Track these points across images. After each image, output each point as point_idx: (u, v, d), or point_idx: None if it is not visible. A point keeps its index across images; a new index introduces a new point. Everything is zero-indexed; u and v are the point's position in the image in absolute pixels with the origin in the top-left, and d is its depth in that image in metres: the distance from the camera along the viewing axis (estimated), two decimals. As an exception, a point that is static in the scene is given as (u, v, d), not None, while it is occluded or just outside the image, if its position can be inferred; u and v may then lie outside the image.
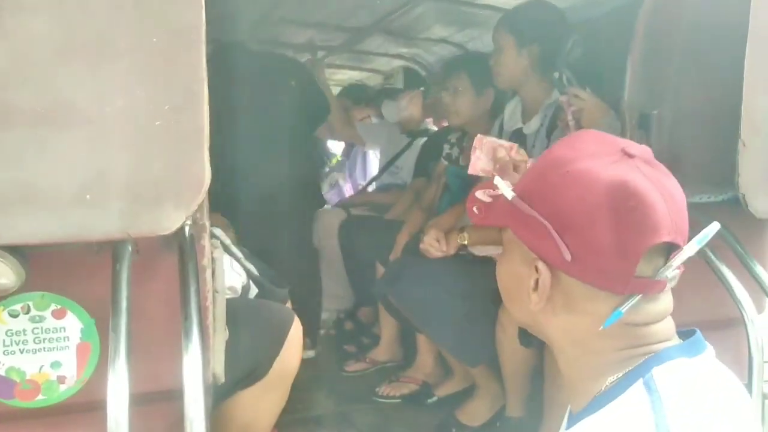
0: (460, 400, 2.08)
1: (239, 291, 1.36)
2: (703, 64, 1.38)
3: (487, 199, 0.79)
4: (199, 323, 0.89)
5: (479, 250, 1.92)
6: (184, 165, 0.80)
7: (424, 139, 3.03)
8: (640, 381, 0.67)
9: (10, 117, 0.73)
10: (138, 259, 1.01)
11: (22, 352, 0.99)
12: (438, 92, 2.90)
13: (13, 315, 0.98)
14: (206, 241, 1.09)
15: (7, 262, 0.85)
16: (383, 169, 3.34)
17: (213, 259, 1.12)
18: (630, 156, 0.69)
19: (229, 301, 1.26)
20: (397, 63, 3.48)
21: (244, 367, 1.21)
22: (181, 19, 0.77)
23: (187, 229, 1.03)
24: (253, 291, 1.52)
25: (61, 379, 1.01)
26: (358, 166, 3.76)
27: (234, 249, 1.40)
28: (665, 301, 0.72)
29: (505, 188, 0.74)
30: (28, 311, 0.99)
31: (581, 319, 0.71)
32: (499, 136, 2.15)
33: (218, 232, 1.39)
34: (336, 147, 4.97)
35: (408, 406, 2.20)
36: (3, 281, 0.88)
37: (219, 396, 1.22)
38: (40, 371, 1.01)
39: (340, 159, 4.73)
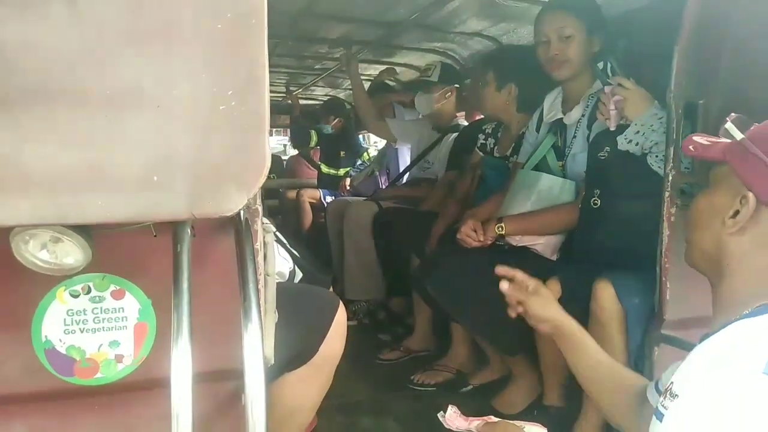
0: (495, 389, 2.09)
1: (287, 276, 1.38)
2: (752, 56, 1.37)
3: (706, 142, 0.95)
4: (257, 304, 0.91)
5: (516, 240, 1.93)
6: (245, 148, 0.82)
7: (455, 134, 3.03)
8: None
9: (81, 99, 0.75)
10: (195, 241, 1.04)
11: (82, 332, 1.03)
12: (471, 87, 2.91)
13: (74, 295, 1.02)
14: (259, 226, 1.12)
15: (75, 242, 0.89)
16: (413, 163, 3.36)
17: (264, 244, 1.15)
18: None
19: (278, 286, 1.29)
20: (431, 57, 3.47)
21: (292, 350, 1.23)
22: (244, 4, 0.79)
23: (242, 213, 1.06)
24: (298, 276, 1.54)
25: (119, 358, 1.05)
26: (394, 160, 3.78)
27: (280, 235, 1.43)
28: None
29: (736, 131, 0.90)
30: (88, 291, 1.03)
31: (764, 251, 0.85)
32: (538, 126, 2.15)
33: (265, 219, 1.43)
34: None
35: (443, 394, 2.22)
36: (70, 261, 0.91)
37: (269, 377, 1.25)
38: (99, 350, 1.04)
39: (370, 155, 4.76)
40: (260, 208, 1.13)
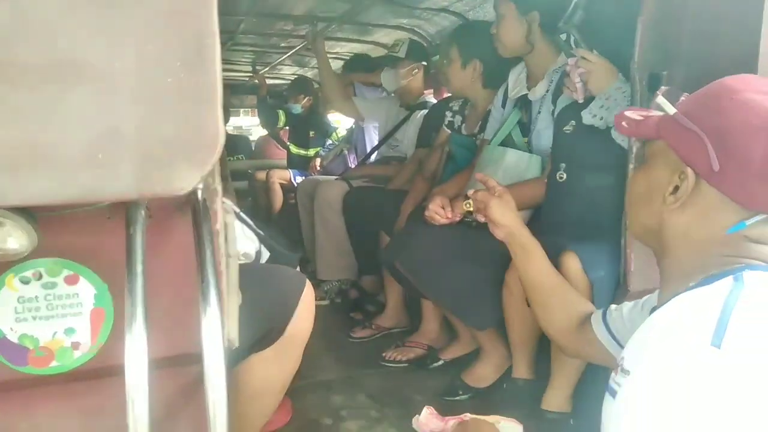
0: (466, 363, 2.11)
1: (253, 256, 1.35)
2: (714, 22, 1.37)
3: (638, 118, 0.93)
4: (216, 287, 0.89)
5: (484, 217, 1.92)
6: (197, 123, 0.79)
7: (424, 111, 3.01)
8: (731, 276, 0.78)
9: (14, 74, 0.71)
10: (151, 223, 1.01)
11: (34, 319, 0.99)
12: (437, 64, 2.88)
13: (25, 281, 0.97)
14: (218, 206, 1.08)
15: (17, 225, 0.84)
16: (382, 142, 3.33)
17: (225, 225, 1.12)
18: None
19: (242, 266, 1.26)
20: (399, 35, 3.43)
21: (257, 332, 1.21)
22: (192, -28, 0.76)
23: (199, 193, 1.03)
24: (265, 256, 1.51)
25: (75, 346, 1.01)
26: (361, 139, 3.74)
27: (244, 215, 1.40)
28: None
29: (668, 105, 0.89)
30: (40, 278, 0.98)
31: (706, 224, 0.84)
32: (503, 102, 2.14)
33: (226, 199, 1.39)
34: (337, 121, 4.95)
35: (415, 369, 2.23)
36: (14, 245, 0.86)
37: (232, 360, 1.23)
38: (53, 338, 1.00)
39: (339, 135, 4.71)
40: (219, 188, 1.09)
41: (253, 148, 5.41)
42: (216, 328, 0.86)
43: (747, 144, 0.78)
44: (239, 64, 4.74)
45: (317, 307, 2.91)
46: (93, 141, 0.74)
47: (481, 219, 1.37)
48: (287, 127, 4.84)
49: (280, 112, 4.78)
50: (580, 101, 1.65)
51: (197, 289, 1.03)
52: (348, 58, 3.94)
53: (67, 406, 1.05)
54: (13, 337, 0.99)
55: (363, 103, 3.40)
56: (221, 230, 1.10)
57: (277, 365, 1.28)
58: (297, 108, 4.47)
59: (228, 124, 5.50)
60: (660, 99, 0.92)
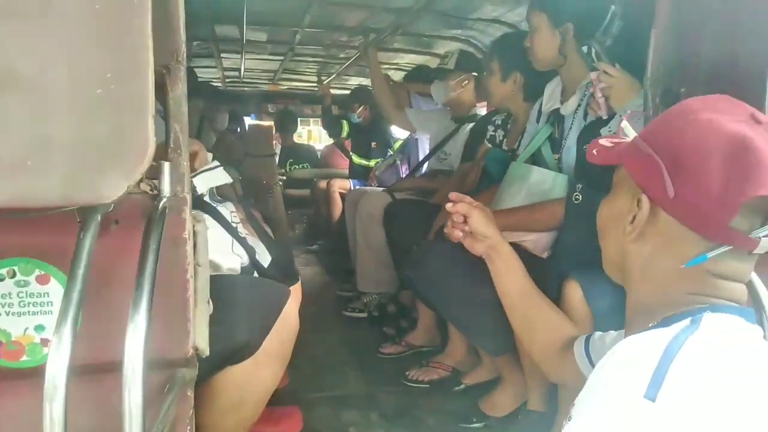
0: (486, 389, 2.01)
1: (238, 270, 1.36)
2: (735, 39, 1.24)
3: (609, 145, 0.88)
4: (150, 294, 0.89)
5: (505, 236, 1.84)
6: (126, 132, 0.80)
7: (471, 125, 2.94)
8: (689, 319, 0.73)
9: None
10: (118, 229, 1.03)
11: (8, 315, 1.04)
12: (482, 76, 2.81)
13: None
14: (187, 214, 1.10)
15: None
16: (430, 154, 3.28)
17: (195, 233, 1.13)
18: (757, 122, 0.74)
19: (222, 277, 1.27)
20: (454, 46, 3.39)
21: (233, 343, 1.22)
22: (126, -15, 0.77)
23: (163, 201, 1.04)
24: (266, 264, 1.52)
25: (44, 342, 1.06)
26: (414, 151, 3.71)
27: (241, 229, 1.40)
28: (748, 265, 0.78)
29: (630, 129, 0.86)
30: (13, 275, 1.03)
31: (667, 256, 0.78)
32: (538, 117, 2.05)
33: (230, 207, 1.41)
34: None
35: (435, 392, 2.16)
36: None
37: (209, 369, 1.24)
38: (24, 333, 1.05)
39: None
40: (188, 196, 1.11)
41: (320, 157, 5.50)
42: (140, 336, 0.86)
43: (702, 168, 0.73)
44: (305, 74, 4.85)
45: (353, 318, 2.94)
46: (24, 148, 0.77)
47: (459, 234, 1.31)
48: (350, 137, 4.89)
49: (344, 122, 4.83)
50: (605, 117, 1.55)
51: (157, 295, 1.05)
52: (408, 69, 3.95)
53: (33, 400, 1.09)
54: (-13, 331, 1.04)
55: (416, 115, 3.37)
56: (189, 238, 1.11)
57: (256, 377, 1.27)
58: (355, 117, 4.51)
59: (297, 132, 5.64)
60: (624, 123, 0.88)
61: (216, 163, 1.41)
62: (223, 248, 1.30)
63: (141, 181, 1.08)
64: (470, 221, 1.28)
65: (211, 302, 1.16)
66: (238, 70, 4.48)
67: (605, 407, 0.66)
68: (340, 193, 4.50)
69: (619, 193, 0.87)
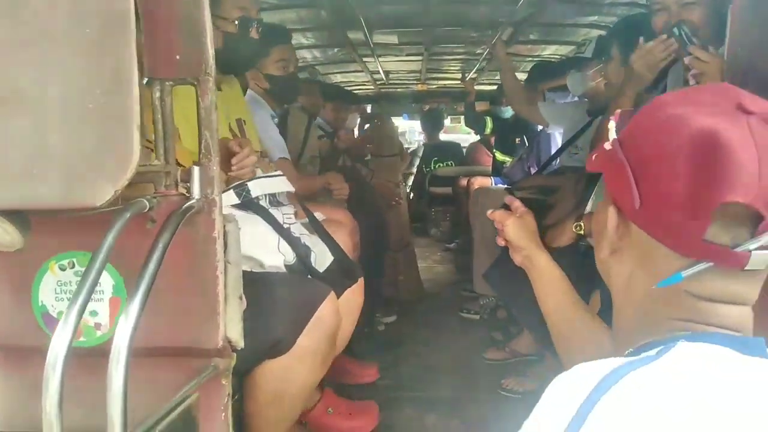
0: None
1: (281, 268, 1.41)
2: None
3: (608, 147, 0.78)
4: (147, 286, 0.97)
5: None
6: (112, 143, 0.89)
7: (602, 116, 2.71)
8: (658, 348, 0.63)
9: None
10: (153, 227, 1.14)
11: (68, 300, 1.20)
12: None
13: (62, 268, 1.19)
14: (216, 215, 1.17)
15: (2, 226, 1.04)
16: (561, 149, 3.08)
17: (226, 232, 1.20)
18: (745, 111, 0.62)
19: (258, 274, 1.34)
20: (592, 34, 3.16)
21: (269, 339, 1.27)
22: (111, 13, 0.86)
23: (195, 202, 1.13)
24: (323, 265, 1.56)
25: (97, 326, 1.20)
26: (546, 146, 3.52)
27: (296, 230, 1.46)
28: (746, 285, 0.65)
29: (613, 132, 0.76)
30: (73, 266, 1.19)
31: (643, 275, 0.69)
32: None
33: (286, 210, 1.48)
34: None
35: (528, 403, 2.03)
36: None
37: (248, 362, 1.31)
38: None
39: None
40: (218, 198, 1.19)
41: (465, 154, 5.45)
42: (131, 324, 0.93)
43: (666, 172, 0.63)
44: (450, 72, 4.83)
45: (467, 320, 2.89)
46: (28, 158, 0.89)
47: (501, 242, 1.23)
48: (494, 133, 4.78)
49: (487, 118, 4.73)
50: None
51: (190, 288, 1.15)
52: (538, 60, 3.76)
53: (86, 377, 1.25)
54: (53, 312, 1.22)
55: (548, 108, 3.19)
56: (219, 237, 1.19)
57: (292, 373, 1.32)
58: (502, 112, 4.40)
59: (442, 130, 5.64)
60: (611, 124, 0.77)
61: (278, 172, 1.49)
62: (269, 246, 1.37)
63: (177, 184, 1.19)
64: (505, 231, 1.21)
65: (244, 297, 1.23)
66: (384, 72, 4.61)
67: None
68: (481, 191, 4.43)
69: (605, 200, 0.77)
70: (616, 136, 0.74)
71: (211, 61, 1.15)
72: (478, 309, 2.91)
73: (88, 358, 1.23)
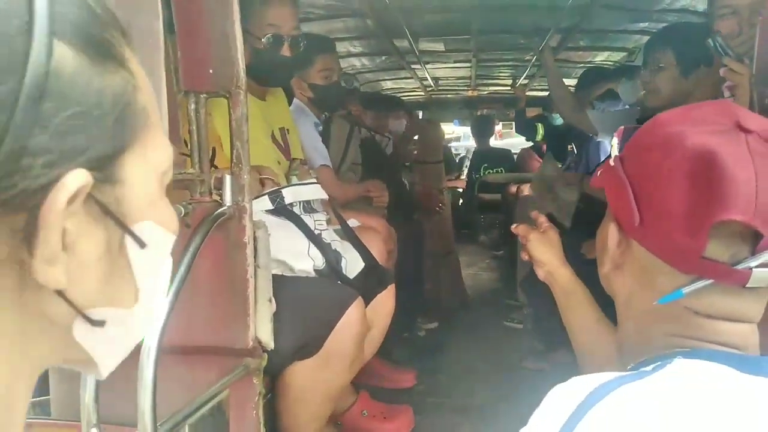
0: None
1: (311, 272, 1.45)
2: None
3: (612, 164, 0.80)
4: (178, 287, 1.03)
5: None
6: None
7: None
8: (654, 365, 0.63)
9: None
10: (188, 231, 1.21)
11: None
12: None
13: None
14: (247, 221, 1.24)
15: None
16: (608, 158, 3.02)
17: (256, 238, 1.26)
18: (744, 130, 0.62)
19: (288, 278, 1.39)
20: (642, 41, 3.09)
21: (297, 340, 1.32)
22: (142, 27, 0.93)
23: (226, 208, 1.20)
24: (354, 272, 1.59)
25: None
26: (594, 154, 3.45)
27: (325, 235, 1.51)
28: (749, 303, 0.65)
29: (615, 148, 0.79)
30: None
31: (644, 291, 0.69)
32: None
33: (318, 216, 1.53)
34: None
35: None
36: None
37: (278, 362, 1.36)
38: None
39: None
40: (248, 205, 1.25)
41: (516, 161, 5.39)
42: (160, 322, 0.99)
43: (663, 190, 0.64)
44: (500, 78, 4.81)
45: (511, 329, 2.87)
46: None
47: (525, 257, 1.23)
48: (545, 140, 4.71)
49: (539, 124, 4.67)
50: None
51: (221, 290, 1.22)
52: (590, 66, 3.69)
53: (119, 371, 1.32)
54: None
55: (599, 116, 3.13)
56: (249, 242, 1.25)
57: (319, 375, 1.36)
58: (554, 119, 4.34)
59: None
60: (614, 140, 0.78)
61: (313, 180, 1.54)
62: (299, 251, 1.42)
63: (212, 191, 1.25)
64: (528, 246, 1.20)
65: (273, 300, 1.28)
66: (433, 78, 4.64)
67: None
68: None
69: (608, 217, 0.78)
70: (618, 153, 0.76)
71: (242, 75, 1.21)
72: (522, 318, 2.89)
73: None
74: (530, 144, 5.35)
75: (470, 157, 5.52)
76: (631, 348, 0.73)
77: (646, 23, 2.91)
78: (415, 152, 3.30)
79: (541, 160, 5.04)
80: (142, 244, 0.37)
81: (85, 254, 0.34)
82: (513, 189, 4.55)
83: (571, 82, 3.65)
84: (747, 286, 0.61)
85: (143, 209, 0.37)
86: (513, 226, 1.28)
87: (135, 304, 0.39)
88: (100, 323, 0.36)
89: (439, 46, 3.49)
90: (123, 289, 0.38)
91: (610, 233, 0.72)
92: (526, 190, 4.44)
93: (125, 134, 0.34)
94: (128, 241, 0.36)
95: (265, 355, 1.30)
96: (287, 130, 1.91)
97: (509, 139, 8.13)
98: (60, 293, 0.33)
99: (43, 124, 0.28)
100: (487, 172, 5.17)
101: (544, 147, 4.90)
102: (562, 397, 0.63)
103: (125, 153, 0.35)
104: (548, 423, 0.61)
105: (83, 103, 0.30)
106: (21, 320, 0.33)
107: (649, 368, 0.64)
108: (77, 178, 0.31)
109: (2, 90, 0.26)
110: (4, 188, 0.28)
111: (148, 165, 0.37)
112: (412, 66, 4.06)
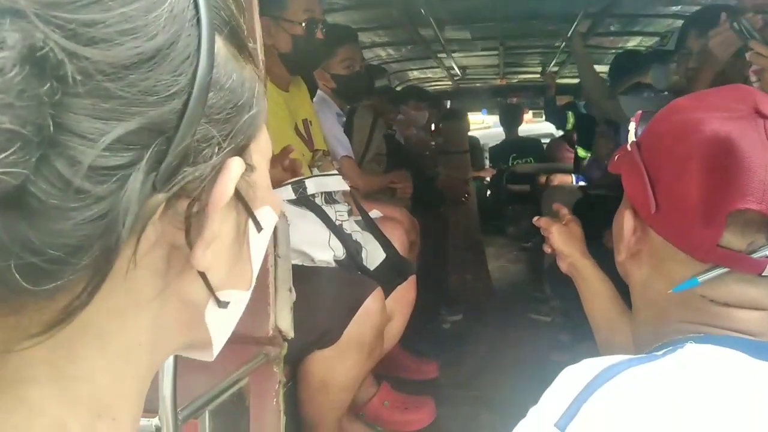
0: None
1: (331, 263, 1.45)
2: None
3: (629, 149, 0.79)
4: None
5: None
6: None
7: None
8: (665, 349, 0.62)
9: None
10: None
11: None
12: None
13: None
14: (266, 210, 1.24)
15: None
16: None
17: (276, 228, 1.27)
18: (762, 116, 0.61)
19: (307, 268, 1.40)
20: (679, 24, 2.99)
21: (317, 330, 1.33)
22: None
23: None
24: (375, 262, 1.59)
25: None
26: (624, 142, 3.38)
27: (346, 226, 1.51)
28: (766, 291, 0.64)
29: (632, 133, 0.78)
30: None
31: (660, 279, 0.69)
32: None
33: (339, 207, 1.53)
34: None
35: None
36: None
37: (298, 351, 1.37)
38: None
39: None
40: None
41: (546, 150, 5.31)
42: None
43: (679, 177, 0.63)
44: (530, 66, 4.73)
45: (537, 322, 2.84)
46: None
47: (548, 250, 1.21)
48: (576, 129, 4.63)
49: (569, 113, 4.59)
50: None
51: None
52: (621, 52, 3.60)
53: None
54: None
55: (630, 103, 3.05)
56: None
57: (339, 364, 1.37)
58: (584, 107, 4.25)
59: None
60: (632, 125, 0.76)
61: (335, 171, 1.55)
62: (319, 242, 1.42)
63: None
64: (550, 238, 1.19)
65: (293, 290, 1.29)
66: (460, 67, 4.59)
67: (524, 427, 0.63)
68: (561, 189, 4.31)
69: (625, 203, 0.76)
70: (635, 138, 0.74)
71: (261, 66, 1.21)
72: (549, 311, 2.85)
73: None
74: (560, 133, 5.27)
75: (488, 148, 5.45)
76: (645, 335, 0.72)
77: (679, 6, 2.82)
78: (433, 143, 3.27)
79: (571, 150, 4.97)
80: (259, 228, 0.38)
81: (225, 238, 0.35)
82: (543, 179, 4.49)
83: (602, 69, 3.57)
84: (763, 274, 0.61)
85: (264, 194, 0.38)
86: (535, 219, 1.26)
87: (250, 285, 0.40)
88: (224, 305, 0.37)
89: (465, 34, 3.45)
90: (243, 271, 0.39)
91: (625, 220, 0.71)
92: (556, 180, 4.39)
93: (257, 122, 0.36)
94: (250, 224, 0.38)
95: (285, 344, 1.31)
96: (310, 122, 1.92)
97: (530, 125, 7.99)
98: (202, 275, 0.34)
99: (206, 113, 0.29)
100: (516, 162, 5.11)
101: (575, 136, 4.81)
102: (572, 377, 0.63)
103: (254, 141, 0.36)
104: (557, 401, 0.61)
105: (233, 91, 0.32)
106: (161, 305, 0.34)
107: (660, 352, 0.63)
108: (239, 165, 0.32)
109: (181, 80, 0.27)
110: (175, 177, 0.28)
111: (263, 152, 0.38)
112: (438, 55, 4.02)
